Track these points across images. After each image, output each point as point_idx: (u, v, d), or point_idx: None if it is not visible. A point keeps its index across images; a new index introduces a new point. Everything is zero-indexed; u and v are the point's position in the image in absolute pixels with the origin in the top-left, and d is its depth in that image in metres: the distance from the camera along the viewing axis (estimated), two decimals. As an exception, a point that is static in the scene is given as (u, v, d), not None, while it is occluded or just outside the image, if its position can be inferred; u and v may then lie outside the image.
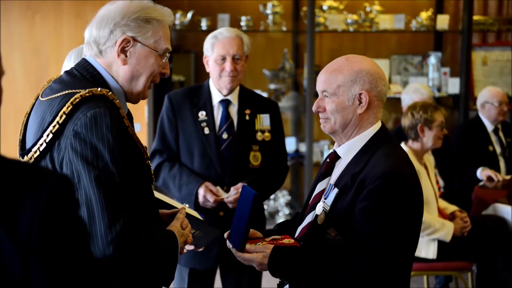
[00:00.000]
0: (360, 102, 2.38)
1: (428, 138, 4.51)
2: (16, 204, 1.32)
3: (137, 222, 2.06)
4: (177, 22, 6.04)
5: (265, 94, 6.20)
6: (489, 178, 5.43)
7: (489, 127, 5.79)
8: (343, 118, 2.40)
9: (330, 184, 2.44)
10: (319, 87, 2.45)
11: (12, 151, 6.12)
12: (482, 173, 5.47)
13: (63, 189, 1.39)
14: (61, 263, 1.37)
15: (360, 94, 2.37)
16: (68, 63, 2.75)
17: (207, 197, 3.54)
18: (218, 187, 3.61)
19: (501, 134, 5.82)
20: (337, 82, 2.38)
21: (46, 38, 5.97)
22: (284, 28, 6.46)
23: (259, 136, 3.71)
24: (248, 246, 2.39)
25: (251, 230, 2.48)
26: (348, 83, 2.37)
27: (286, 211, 6.43)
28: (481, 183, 5.37)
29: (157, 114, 5.70)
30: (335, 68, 2.41)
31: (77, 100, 2.07)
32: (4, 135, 5.84)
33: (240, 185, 3.56)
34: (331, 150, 2.55)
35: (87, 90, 2.09)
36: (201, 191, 3.56)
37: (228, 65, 3.61)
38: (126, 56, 2.20)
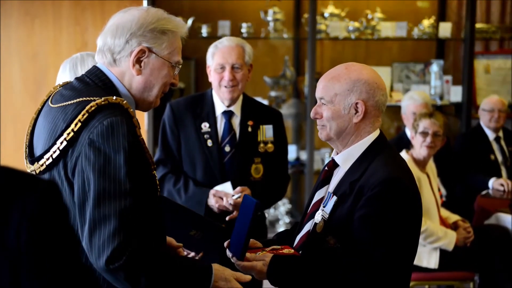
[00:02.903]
0: (356, 111, 2.39)
1: (415, 144, 4.50)
2: (4, 211, 1.31)
3: (143, 239, 2.04)
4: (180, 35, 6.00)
5: (265, 101, 6.17)
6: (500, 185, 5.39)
7: (491, 135, 5.76)
8: (338, 126, 2.41)
9: (329, 192, 2.45)
10: (317, 94, 2.46)
11: (10, 156, 6.06)
12: (495, 183, 5.41)
13: (50, 195, 1.38)
14: (50, 269, 1.36)
15: (357, 103, 2.38)
16: (63, 73, 2.73)
17: (220, 204, 3.50)
18: (228, 183, 3.59)
19: (502, 142, 5.79)
20: (334, 90, 2.40)
21: (45, 44, 5.94)
22: (285, 35, 6.43)
23: (261, 147, 3.68)
24: (248, 255, 2.40)
25: (251, 240, 2.49)
26: (345, 92, 2.38)
27: (287, 219, 6.38)
28: (483, 192, 5.33)
29: (156, 122, 5.67)
30: (334, 76, 2.42)
31: (93, 108, 2.07)
32: (3, 140, 5.81)
33: (245, 188, 3.55)
34: (329, 158, 2.54)
35: (102, 98, 2.09)
36: (213, 202, 3.53)
37: (226, 74, 3.57)
38: (140, 67, 2.21)
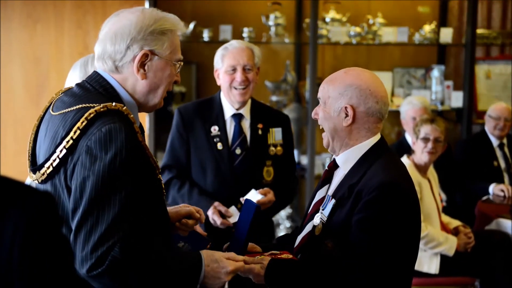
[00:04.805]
0: (346, 115, 2.41)
1: (416, 150, 4.50)
2: None
3: (133, 245, 2.02)
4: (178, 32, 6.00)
5: (267, 106, 6.17)
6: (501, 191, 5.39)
7: (495, 142, 5.75)
8: (329, 126, 2.45)
9: (328, 195, 2.46)
10: (318, 95, 2.51)
11: (10, 161, 6.03)
12: (495, 188, 5.41)
13: (46, 208, 1.35)
14: (43, 284, 1.33)
15: (346, 107, 2.40)
16: (74, 72, 2.76)
17: (214, 219, 3.49)
18: (233, 207, 3.56)
19: (506, 149, 5.77)
20: (328, 93, 2.44)
21: (47, 47, 5.93)
22: (286, 40, 6.43)
23: (271, 150, 3.68)
24: (246, 258, 2.39)
25: (250, 244, 2.52)
26: (337, 95, 2.42)
27: (287, 224, 6.38)
28: (484, 198, 5.33)
29: (158, 126, 5.67)
30: (332, 79, 2.46)
31: (92, 115, 2.05)
32: (3, 145, 5.81)
33: (268, 189, 3.56)
34: (331, 159, 2.57)
35: (101, 105, 2.07)
36: (209, 213, 3.50)
37: (238, 75, 3.56)
38: (145, 71, 2.19)
